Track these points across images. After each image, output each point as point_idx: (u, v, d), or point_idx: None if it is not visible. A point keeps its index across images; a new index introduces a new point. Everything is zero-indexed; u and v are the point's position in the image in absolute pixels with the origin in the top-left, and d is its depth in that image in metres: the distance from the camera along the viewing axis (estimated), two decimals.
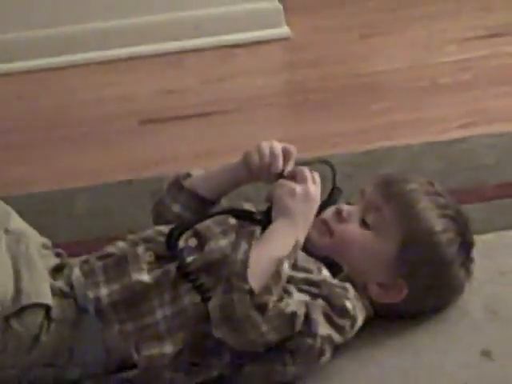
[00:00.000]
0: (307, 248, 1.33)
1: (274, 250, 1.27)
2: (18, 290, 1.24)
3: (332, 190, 1.37)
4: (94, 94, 2.06)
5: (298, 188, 1.31)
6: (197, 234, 1.34)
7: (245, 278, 1.20)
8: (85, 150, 1.85)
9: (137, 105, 1.95)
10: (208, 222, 1.36)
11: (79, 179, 1.76)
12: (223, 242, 1.32)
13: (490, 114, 1.92)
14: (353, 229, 1.36)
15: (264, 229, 1.34)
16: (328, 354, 1.25)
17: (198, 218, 1.38)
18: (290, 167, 1.35)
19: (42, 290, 1.26)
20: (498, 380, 1.26)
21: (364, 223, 1.35)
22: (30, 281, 1.26)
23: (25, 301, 1.22)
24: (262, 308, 1.19)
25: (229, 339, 1.21)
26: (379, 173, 1.51)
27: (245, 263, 1.23)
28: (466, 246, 1.36)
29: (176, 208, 1.43)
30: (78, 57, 2.23)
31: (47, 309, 1.24)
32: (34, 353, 1.24)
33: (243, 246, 1.28)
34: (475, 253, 1.37)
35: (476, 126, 1.87)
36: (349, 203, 1.39)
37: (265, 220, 1.34)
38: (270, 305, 1.19)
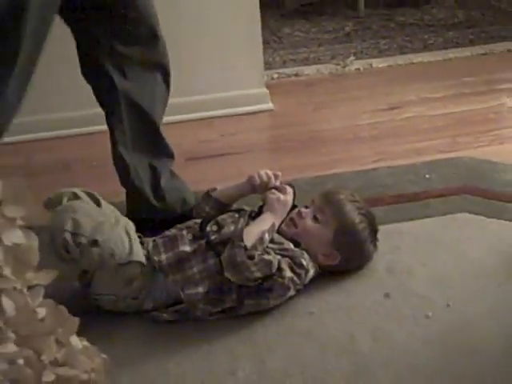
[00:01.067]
0: (281, 234, 1.39)
1: (261, 226, 1.32)
2: (131, 250, 1.26)
3: (293, 201, 1.44)
4: None
5: (282, 197, 1.41)
6: (217, 223, 1.39)
7: (241, 239, 1.27)
8: None
9: (184, 148, 1.92)
10: (224, 216, 1.42)
11: None
12: (232, 227, 1.36)
13: (391, 154, 1.96)
14: (308, 223, 1.40)
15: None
16: (292, 292, 1.32)
17: (218, 214, 1.44)
18: (278, 183, 1.45)
19: (140, 254, 1.29)
20: (394, 312, 1.30)
21: (315, 218, 1.41)
22: (135, 247, 1.28)
23: (134, 258, 1.26)
24: (251, 257, 1.25)
25: (232, 277, 1.27)
26: (323, 189, 1.53)
27: (241, 231, 1.31)
28: (374, 231, 1.44)
29: (207, 208, 1.48)
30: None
31: (142, 265, 1.28)
32: (128, 289, 1.28)
33: (242, 222, 1.36)
34: (380, 236, 1.45)
35: (382, 161, 1.91)
36: (306, 206, 1.44)
37: (258, 212, 1.42)
38: (256, 255, 1.25)
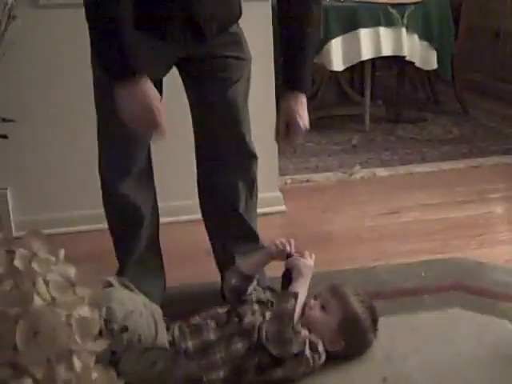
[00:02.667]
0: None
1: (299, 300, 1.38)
2: (156, 336, 1.31)
3: None
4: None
5: (307, 261, 1.47)
6: (238, 315, 1.41)
7: (292, 317, 1.33)
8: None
9: (205, 244, 1.77)
10: (244, 307, 1.43)
11: None
12: (251, 318, 1.39)
13: (390, 254, 1.97)
14: (316, 313, 1.43)
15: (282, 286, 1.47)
16: (303, 368, 1.36)
17: (243, 285, 1.48)
18: (293, 249, 1.51)
19: (164, 339, 1.33)
20: None
21: (322, 309, 1.44)
22: (160, 333, 1.32)
23: (159, 342, 1.31)
24: (297, 333, 1.32)
25: (274, 350, 1.31)
26: (329, 283, 1.51)
27: (293, 310, 1.35)
28: (375, 322, 1.47)
29: (233, 281, 1.50)
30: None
31: (165, 350, 1.31)
32: (151, 370, 1.29)
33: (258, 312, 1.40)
34: (379, 326, 1.46)
35: (382, 260, 1.91)
36: (314, 298, 1.45)
37: (283, 275, 1.47)
38: (301, 331, 1.33)
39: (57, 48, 2.05)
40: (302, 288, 1.42)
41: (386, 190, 2.58)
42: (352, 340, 1.43)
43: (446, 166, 2.83)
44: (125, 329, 1.27)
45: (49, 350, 0.61)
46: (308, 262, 1.46)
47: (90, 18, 1.30)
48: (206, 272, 1.76)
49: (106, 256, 1.68)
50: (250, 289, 1.51)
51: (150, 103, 1.31)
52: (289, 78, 1.52)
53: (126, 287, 1.42)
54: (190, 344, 1.35)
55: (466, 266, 1.88)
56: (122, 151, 1.51)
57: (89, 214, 2.15)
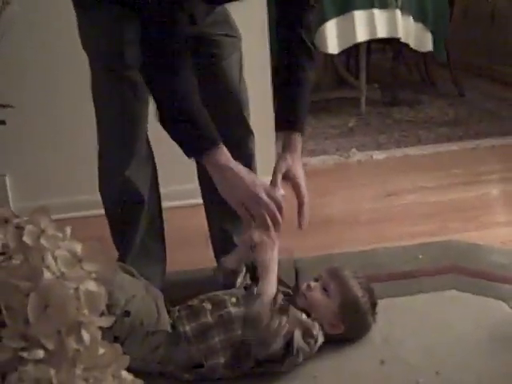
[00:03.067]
0: (294, 305, 1.40)
1: (266, 299, 1.34)
2: (158, 320, 1.32)
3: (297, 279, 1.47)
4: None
5: (268, 256, 1.37)
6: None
7: (260, 322, 1.30)
8: None
9: (205, 229, 1.76)
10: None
11: None
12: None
13: (387, 237, 1.97)
14: (316, 295, 1.43)
15: None
16: (301, 359, 1.34)
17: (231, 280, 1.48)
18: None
19: (167, 323, 1.33)
20: (388, 378, 1.32)
21: (323, 291, 1.43)
22: (162, 317, 1.33)
23: (161, 326, 1.31)
24: (277, 333, 1.30)
25: (262, 353, 1.29)
26: (328, 266, 1.51)
27: (258, 314, 1.31)
28: (374, 305, 1.47)
29: (221, 279, 1.51)
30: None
31: (167, 333, 1.32)
32: (154, 354, 1.30)
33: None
34: (377, 309, 1.47)
35: (380, 243, 1.92)
36: (316, 279, 1.45)
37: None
38: (280, 328, 1.29)
39: (56, 33, 2.03)
40: (266, 285, 1.37)
41: (383, 173, 2.58)
42: (352, 323, 1.43)
43: (442, 148, 2.82)
44: (127, 314, 1.26)
45: (59, 322, 0.64)
46: (267, 255, 1.38)
47: (153, 96, 1.30)
48: (207, 257, 1.75)
49: (105, 242, 1.66)
50: (239, 281, 1.51)
51: (255, 190, 1.29)
52: (285, 116, 1.49)
53: (127, 272, 1.41)
54: (187, 328, 1.34)
55: (462, 248, 1.88)
56: (123, 134, 1.49)
57: (88, 200, 2.09)
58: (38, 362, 0.61)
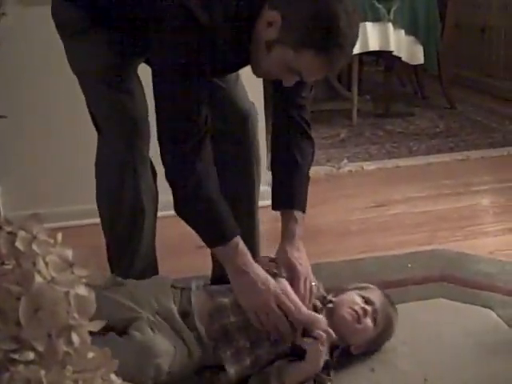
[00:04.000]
0: (341, 320, 1.37)
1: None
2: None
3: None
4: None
5: (322, 349, 1.30)
6: None
7: None
8: None
9: (194, 237, 1.61)
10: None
11: None
12: None
13: (377, 246, 1.99)
14: (369, 324, 1.38)
15: None
16: None
17: None
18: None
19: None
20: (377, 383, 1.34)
21: (374, 321, 1.39)
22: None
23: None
24: None
25: None
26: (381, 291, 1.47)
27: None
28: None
29: None
30: None
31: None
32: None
33: None
34: None
35: (370, 252, 1.93)
36: (365, 301, 1.39)
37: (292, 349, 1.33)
38: None
39: (47, 45, 2.00)
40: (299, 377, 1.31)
41: (374, 184, 2.60)
42: (375, 346, 1.44)
43: (432, 159, 2.85)
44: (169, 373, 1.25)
45: (49, 325, 0.65)
46: (322, 349, 1.30)
47: (168, 179, 1.30)
48: (197, 265, 1.75)
49: (97, 251, 1.67)
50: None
51: (267, 301, 1.28)
52: (284, 196, 1.46)
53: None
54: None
55: (451, 257, 1.89)
56: (122, 138, 1.46)
57: (80, 209, 2.14)
58: (28, 363, 0.62)
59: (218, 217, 1.29)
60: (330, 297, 1.44)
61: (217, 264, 1.61)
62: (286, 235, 1.44)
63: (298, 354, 1.30)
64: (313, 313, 1.34)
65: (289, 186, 1.46)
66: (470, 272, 1.79)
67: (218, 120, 1.47)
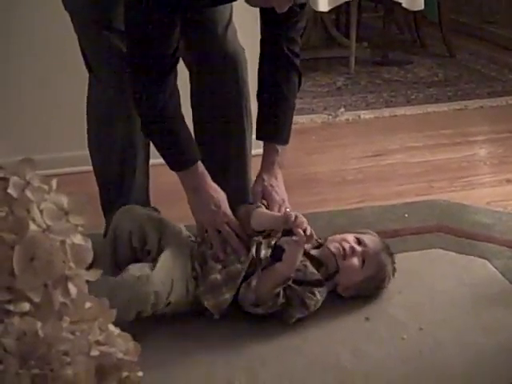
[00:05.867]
0: (325, 251, 1.40)
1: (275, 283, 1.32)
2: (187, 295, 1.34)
3: None
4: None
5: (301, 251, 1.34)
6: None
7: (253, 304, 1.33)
8: None
9: None
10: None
11: None
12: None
13: (374, 196, 2.00)
14: (356, 262, 1.40)
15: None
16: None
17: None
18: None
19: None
20: (373, 333, 1.34)
21: (362, 262, 1.40)
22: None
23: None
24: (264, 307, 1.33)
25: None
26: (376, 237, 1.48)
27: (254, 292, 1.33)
28: (393, 266, 1.48)
29: None
30: None
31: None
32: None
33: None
34: None
35: (366, 202, 1.95)
36: (358, 242, 1.41)
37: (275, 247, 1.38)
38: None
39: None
40: (286, 268, 1.35)
41: (371, 133, 2.56)
42: (365, 292, 1.45)
43: (431, 108, 2.80)
44: (168, 304, 1.33)
45: (45, 275, 0.63)
46: (298, 246, 1.33)
47: (139, 115, 1.36)
48: (191, 214, 1.71)
49: (91, 198, 1.65)
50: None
51: (216, 221, 1.36)
52: (267, 127, 1.49)
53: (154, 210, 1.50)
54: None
55: (448, 207, 1.89)
56: (112, 76, 1.46)
57: (73, 156, 2.10)
58: (23, 314, 0.61)
59: (181, 145, 1.36)
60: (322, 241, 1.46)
61: None
62: (265, 165, 1.48)
63: (278, 259, 1.34)
64: (291, 213, 1.35)
65: (273, 117, 1.48)
66: (467, 222, 1.80)
67: (205, 65, 1.48)
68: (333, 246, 1.40)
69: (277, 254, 1.35)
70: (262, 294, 1.31)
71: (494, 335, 1.33)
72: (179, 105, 1.37)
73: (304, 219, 1.35)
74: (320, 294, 1.36)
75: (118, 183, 1.55)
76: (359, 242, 1.43)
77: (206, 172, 1.40)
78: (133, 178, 1.55)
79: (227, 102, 1.55)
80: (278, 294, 1.32)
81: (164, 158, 1.40)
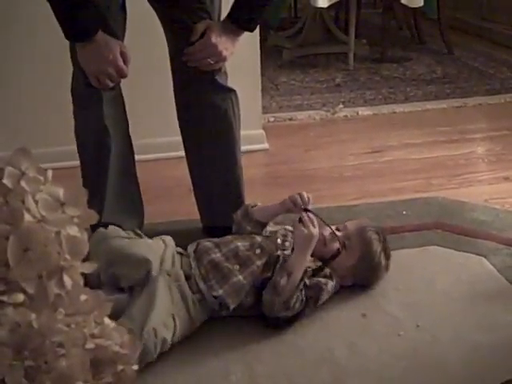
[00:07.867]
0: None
1: (294, 277, 1.32)
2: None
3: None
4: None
5: (306, 231, 1.34)
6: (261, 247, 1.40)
7: (279, 294, 1.32)
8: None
9: (188, 180, 1.70)
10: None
11: None
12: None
13: (372, 192, 1.99)
14: (337, 246, 1.41)
15: None
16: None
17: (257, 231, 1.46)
18: (310, 207, 1.42)
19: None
20: (369, 329, 1.35)
21: (344, 246, 1.42)
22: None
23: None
24: (288, 308, 1.33)
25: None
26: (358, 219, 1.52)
27: (280, 286, 1.32)
28: (387, 255, 1.49)
29: (248, 228, 1.47)
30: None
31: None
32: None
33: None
34: None
35: (364, 198, 1.95)
36: (338, 229, 1.43)
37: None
38: (292, 304, 1.32)
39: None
40: (297, 262, 1.35)
41: (369, 129, 2.56)
42: (363, 279, 1.45)
43: (429, 105, 2.81)
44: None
45: (40, 266, 0.63)
46: (307, 232, 1.35)
47: None
48: (189, 209, 1.73)
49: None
50: (267, 230, 1.50)
51: (111, 56, 1.33)
52: (239, 14, 1.44)
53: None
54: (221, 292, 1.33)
55: (446, 204, 1.89)
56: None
57: (64, 151, 2.07)
58: (18, 305, 0.60)
59: (80, 13, 1.31)
60: None
61: (204, 213, 1.69)
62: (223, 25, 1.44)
63: None
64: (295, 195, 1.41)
65: (248, 9, 1.44)
66: (465, 220, 1.80)
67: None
68: (316, 243, 1.39)
69: None
70: (287, 292, 1.31)
71: (491, 332, 1.33)
72: None
73: (308, 195, 1.40)
74: (331, 287, 1.38)
75: (93, 173, 1.55)
76: (338, 229, 1.44)
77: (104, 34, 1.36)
78: (107, 167, 1.54)
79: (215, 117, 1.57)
80: (300, 289, 1.32)
81: (64, 29, 1.35)
